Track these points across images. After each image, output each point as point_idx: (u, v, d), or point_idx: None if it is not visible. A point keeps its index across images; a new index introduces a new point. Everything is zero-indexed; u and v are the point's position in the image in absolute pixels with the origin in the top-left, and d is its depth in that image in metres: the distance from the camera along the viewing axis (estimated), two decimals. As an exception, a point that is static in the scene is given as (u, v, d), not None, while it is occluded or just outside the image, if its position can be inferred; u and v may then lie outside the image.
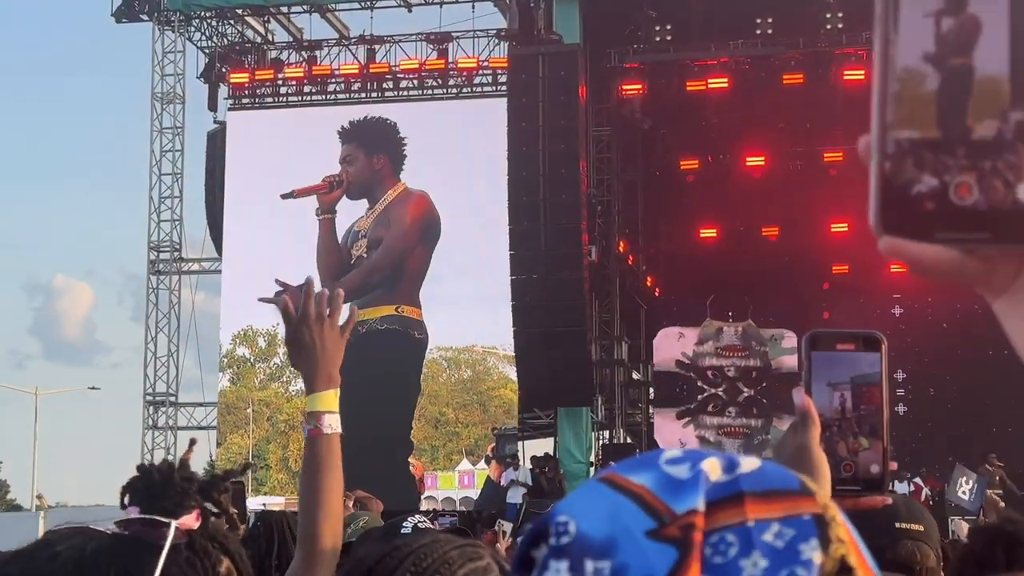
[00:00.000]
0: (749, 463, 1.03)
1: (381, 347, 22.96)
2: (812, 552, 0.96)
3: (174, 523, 2.21)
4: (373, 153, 26.03)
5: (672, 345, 25.59)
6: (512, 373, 22.48)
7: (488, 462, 21.60)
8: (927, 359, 25.74)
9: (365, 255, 24.36)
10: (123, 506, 2.50)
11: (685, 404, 25.43)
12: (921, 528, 3.03)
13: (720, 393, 25.70)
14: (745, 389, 25.45)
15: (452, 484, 21.68)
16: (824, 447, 1.83)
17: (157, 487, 2.41)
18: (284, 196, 24.69)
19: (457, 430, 22.36)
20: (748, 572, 0.95)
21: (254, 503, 19.02)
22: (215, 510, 2.46)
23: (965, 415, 24.87)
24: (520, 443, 24.79)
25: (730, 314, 25.98)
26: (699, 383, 25.68)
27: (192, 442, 3.80)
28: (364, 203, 25.21)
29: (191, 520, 2.34)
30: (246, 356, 24.17)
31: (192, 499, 2.40)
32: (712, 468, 1.01)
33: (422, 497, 21.06)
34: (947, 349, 25.26)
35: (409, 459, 21.26)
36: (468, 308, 22.52)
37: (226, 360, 24.16)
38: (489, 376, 23.14)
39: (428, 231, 24.54)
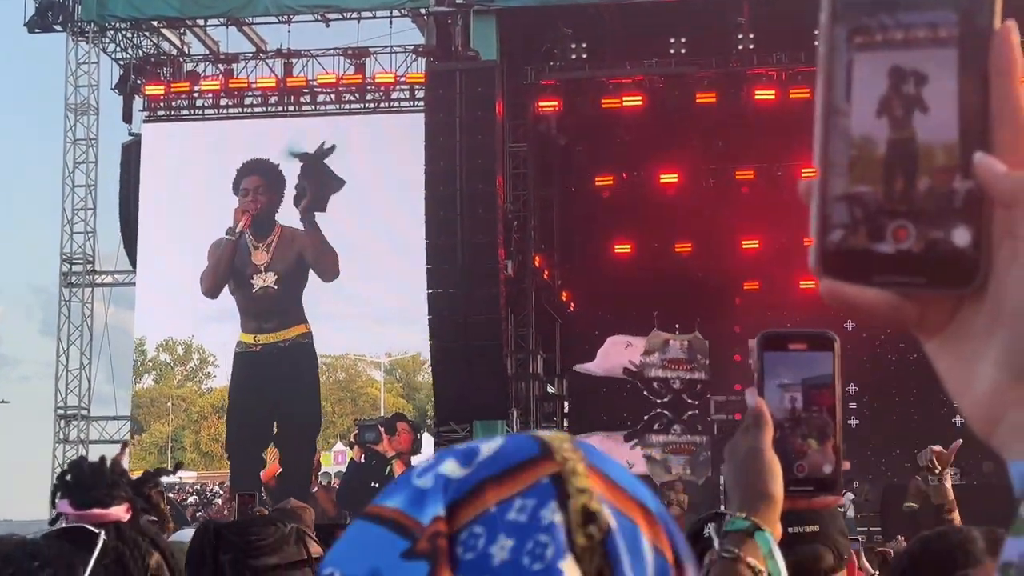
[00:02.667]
0: (489, 447, 1.05)
1: (301, 360, 26.37)
2: (552, 515, 0.99)
3: (103, 534, 2.25)
4: (273, 191, 26.99)
5: (620, 353, 26.58)
6: (377, 375, 27.26)
7: (351, 446, 25.98)
8: (881, 373, 25.93)
9: (275, 286, 26.59)
10: (53, 504, 2.53)
11: (631, 427, 26.25)
12: (816, 528, 3.01)
13: (665, 412, 26.41)
14: (690, 401, 26.11)
15: (329, 462, 26.09)
16: (776, 448, 1.84)
17: (88, 478, 2.46)
18: (230, 234, 26.80)
19: (334, 420, 26.69)
20: (498, 557, 0.98)
21: (172, 478, 24.70)
22: (145, 506, 2.52)
23: (917, 427, 24.91)
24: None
25: (677, 326, 26.53)
26: (644, 392, 26.43)
27: (124, 445, 3.82)
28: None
29: (121, 512, 2.40)
30: (167, 360, 27.58)
31: (123, 491, 2.46)
32: (451, 468, 1.03)
33: (318, 473, 25.87)
34: (901, 363, 25.50)
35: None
36: (342, 322, 26.25)
37: (151, 363, 27.45)
38: (359, 378, 27.40)
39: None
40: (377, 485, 24.23)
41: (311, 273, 26.61)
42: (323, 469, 25.94)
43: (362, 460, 25.62)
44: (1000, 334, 0.84)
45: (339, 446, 26.54)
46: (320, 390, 26.56)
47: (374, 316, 25.84)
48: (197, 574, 3.12)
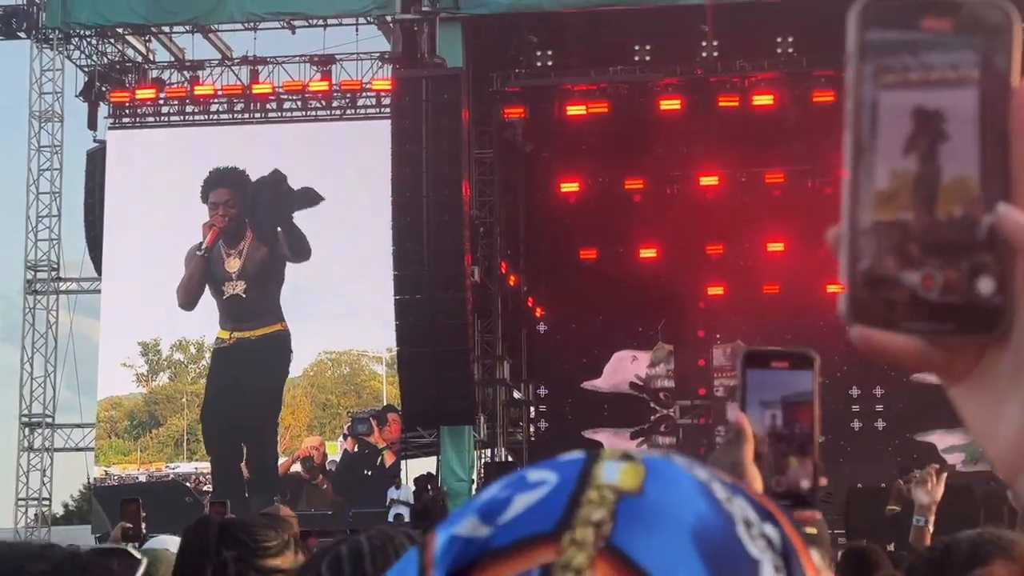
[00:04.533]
0: (523, 501, 0.89)
1: (275, 356, 26.98)
2: None
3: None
4: (242, 201, 27.12)
5: (626, 368, 27.10)
6: (379, 369, 27.82)
7: (345, 438, 26.89)
8: (881, 375, 25.86)
9: (243, 294, 26.93)
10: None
11: (638, 424, 26.56)
12: (815, 531, 3.06)
13: (672, 414, 26.68)
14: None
15: (336, 451, 26.99)
16: (756, 463, 1.87)
17: None
18: (199, 250, 27.13)
19: (339, 411, 27.56)
20: None
21: (189, 467, 27.11)
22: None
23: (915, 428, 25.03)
24: (403, 462, 25.78)
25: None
26: (651, 404, 26.73)
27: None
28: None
29: None
30: (181, 359, 28.09)
31: None
32: (467, 526, 0.89)
33: (326, 462, 26.53)
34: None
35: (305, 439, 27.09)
36: (344, 319, 26.75)
37: (166, 362, 28.08)
38: (363, 372, 28.16)
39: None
40: (369, 473, 25.89)
41: (287, 273, 26.90)
42: (332, 457, 26.89)
43: (355, 450, 26.54)
44: None
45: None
46: (284, 387, 27.12)
47: (372, 314, 26.17)
48: (198, 567, 3.18)
